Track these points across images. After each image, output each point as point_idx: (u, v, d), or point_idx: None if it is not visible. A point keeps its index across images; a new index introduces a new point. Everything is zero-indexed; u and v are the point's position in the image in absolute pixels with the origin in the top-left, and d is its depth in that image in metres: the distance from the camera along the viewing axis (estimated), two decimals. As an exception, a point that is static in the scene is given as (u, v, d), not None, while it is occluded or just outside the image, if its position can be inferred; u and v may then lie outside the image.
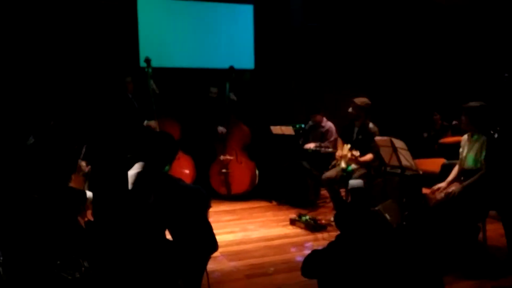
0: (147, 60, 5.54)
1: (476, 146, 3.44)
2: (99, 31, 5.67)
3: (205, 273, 2.52)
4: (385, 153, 3.91)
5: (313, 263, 2.09)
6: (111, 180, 2.08)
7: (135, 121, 5.07)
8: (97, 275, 2.22)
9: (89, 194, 3.02)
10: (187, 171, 5.64)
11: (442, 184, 3.66)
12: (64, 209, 2.74)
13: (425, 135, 5.30)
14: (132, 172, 2.43)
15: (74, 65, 5.30)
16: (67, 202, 2.77)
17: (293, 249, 3.89)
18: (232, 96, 5.95)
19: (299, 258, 3.63)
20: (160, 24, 6.47)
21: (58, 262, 2.45)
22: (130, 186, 2.28)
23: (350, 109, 4.71)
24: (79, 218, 2.79)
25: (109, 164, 2.10)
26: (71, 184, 3.13)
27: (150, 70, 5.52)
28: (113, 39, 5.81)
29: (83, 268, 2.49)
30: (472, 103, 3.45)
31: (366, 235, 1.94)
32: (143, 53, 6.00)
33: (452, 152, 5.18)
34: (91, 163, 2.68)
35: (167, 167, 2.44)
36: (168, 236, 2.44)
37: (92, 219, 2.50)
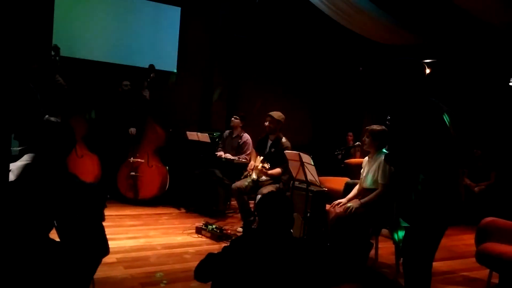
0: (56, 48, 5.15)
1: (374, 167, 3.66)
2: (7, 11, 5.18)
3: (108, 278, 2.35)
4: (293, 167, 4.02)
5: (207, 267, 2.04)
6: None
7: (33, 111, 4.65)
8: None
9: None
10: (90, 171, 5.31)
11: (342, 200, 3.85)
12: None
13: (339, 157, 5.56)
14: (19, 164, 2.20)
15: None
16: None
17: (194, 258, 3.80)
18: (145, 93, 5.72)
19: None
20: (79, 13, 6.11)
21: None
22: (14, 178, 2.06)
23: (266, 123, 4.79)
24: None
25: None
26: None
27: (57, 58, 5.13)
28: (24, 23, 5.35)
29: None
30: (374, 126, 3.69)
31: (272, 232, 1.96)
32: (56, 40, 5.61)
33: (356, 172, 5.51)
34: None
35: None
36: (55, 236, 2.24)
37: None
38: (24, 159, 2.28)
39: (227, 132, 5.92)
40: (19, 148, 2.51)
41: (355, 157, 6.85)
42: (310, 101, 8.05)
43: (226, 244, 4.15)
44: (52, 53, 5.16)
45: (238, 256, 1.94)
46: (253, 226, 4.74)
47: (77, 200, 2.15)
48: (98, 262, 2.39)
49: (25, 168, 2.17)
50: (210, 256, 2.09)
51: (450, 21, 5.94)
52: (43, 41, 5.67)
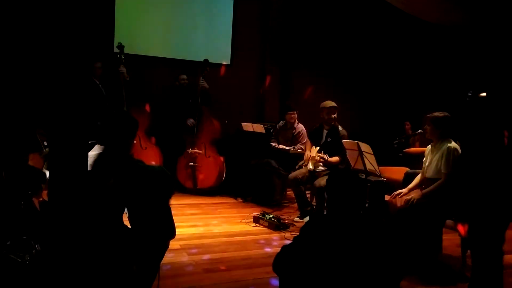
0: (120, 46, 5.43)
1: (438, 156, 3.52)
2: (71, 12, 5.48)
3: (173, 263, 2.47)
4: (351, 156, 3.97)
5: (284, 259, 2.03)
6: (69, 160, 2.00)
7: (100, 106, 4.95)
8: (49, 259, 2.13)
9: (48, 174, 2.93)
10: (153, 163, 5.54)
11: (403, 190, 3.73)
12: (20, 188, 2.64)
13: (396, 145, 5.41)
14: (92, 153, 2.36)
15: (39, 44, 5.08)
16: (24, 180, 2.68)
17: (254, 246, 3.88)
18: (203, 83, 5.88)
19: (259, 255, 3.62)
20: (137, 10, 6.35)
21: (8, 242, 2.36)
22: (89, 167, 2.21)
23: (333, 115, 4.73)
24: (34, 199, 2.70)
25: (68, 144, 2.02)
26: (30, 163, 3.04)
27: (123, 56, 5.41)
28: (87, 22, 5.64)
29: (34, 251, 2.40)
30: (436, 113, 3.54)
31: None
32: (118, 38, 5.88)
33: (416, 161, 5.31)
34: (50, 142, 2.59)
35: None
36: (125, 220, 2.38)
37: (46, 198, 2.40)
38: (96, 149, 2.43)
39: (281, 123, 5.95)
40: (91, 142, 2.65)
41: (413, 146, 6.60)
42: (364, 89, 7.85)
43: (284, 233, 4.22)
44: (117, 50, 5.43)
45: (313, 242, 1.93)
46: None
47: (146, 185, 2.26)
48: (166, 244, 2.50)
49: (98, 158, 2.32)
50: (285, 248, 2.08)
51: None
52: (106, 39, 5.96)
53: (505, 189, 2.62)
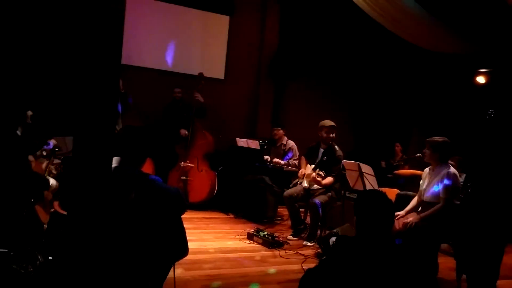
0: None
1: (436, 180, 3.60)
2: (89, 27, 5.40)
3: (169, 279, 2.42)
4: (351, 176, 4.01)
5: (310, 282, 2.00)
6: (91, 172, 1.95)
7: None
8: (57, 271, 2.06)
9: (52, 181, 2.85)
10: (146, 174, 5.46)
11: (401, 213, 3.78)
12: (22, 195, 2.56)
13: (383, 164, 5.50)
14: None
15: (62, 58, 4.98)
16: (26, 187, 2.60)
17: (250, 264, 3.84)
18: (198, 96, 5.89)
19: (255, 273, 3.59)
20: (134, 23, 6.32)
21: (12, 253, 2.28)
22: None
23: (331, 134, 4.74)
24: (37, 207, 2.62)
25: (89, 156, 1.97)
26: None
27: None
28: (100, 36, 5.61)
29: (38, 262, 2.32)
30: (436, 138, 3.63)
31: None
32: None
33: (405, 183, 5.41)
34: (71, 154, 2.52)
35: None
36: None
37: (59, 210, 2.33)
38: (113, 162, 2.38)
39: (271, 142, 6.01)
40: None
41: (402, 168, 6.73)
42: (355, 109, 7.99)
43: (278, 251, 4.19)
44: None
45: (342, 266, 1.91)
46: (302, 235, 4.75)
47: (164, 203, 2.23)
48: (176, 260, 2.46)
49: (115, 172, 2.27)
50: (309, 272, 2.05)
51: (506, 28, 5.79)
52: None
53: (505, 215, 2.71)
